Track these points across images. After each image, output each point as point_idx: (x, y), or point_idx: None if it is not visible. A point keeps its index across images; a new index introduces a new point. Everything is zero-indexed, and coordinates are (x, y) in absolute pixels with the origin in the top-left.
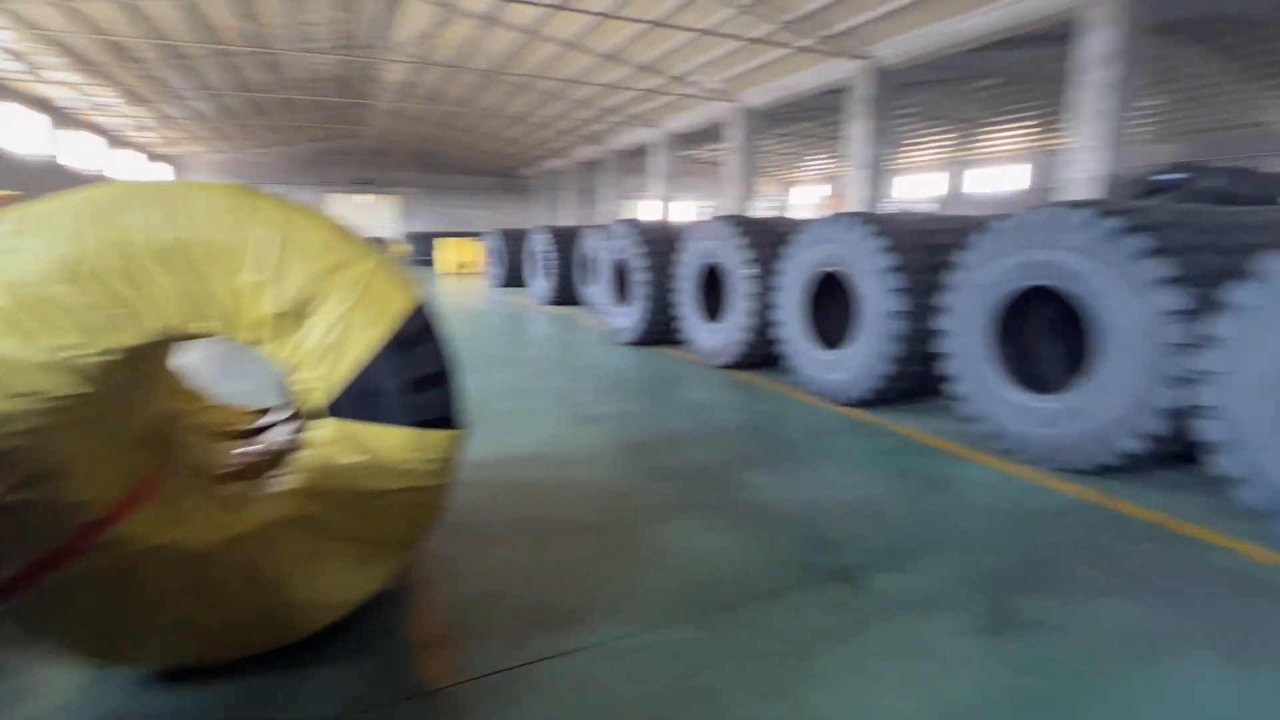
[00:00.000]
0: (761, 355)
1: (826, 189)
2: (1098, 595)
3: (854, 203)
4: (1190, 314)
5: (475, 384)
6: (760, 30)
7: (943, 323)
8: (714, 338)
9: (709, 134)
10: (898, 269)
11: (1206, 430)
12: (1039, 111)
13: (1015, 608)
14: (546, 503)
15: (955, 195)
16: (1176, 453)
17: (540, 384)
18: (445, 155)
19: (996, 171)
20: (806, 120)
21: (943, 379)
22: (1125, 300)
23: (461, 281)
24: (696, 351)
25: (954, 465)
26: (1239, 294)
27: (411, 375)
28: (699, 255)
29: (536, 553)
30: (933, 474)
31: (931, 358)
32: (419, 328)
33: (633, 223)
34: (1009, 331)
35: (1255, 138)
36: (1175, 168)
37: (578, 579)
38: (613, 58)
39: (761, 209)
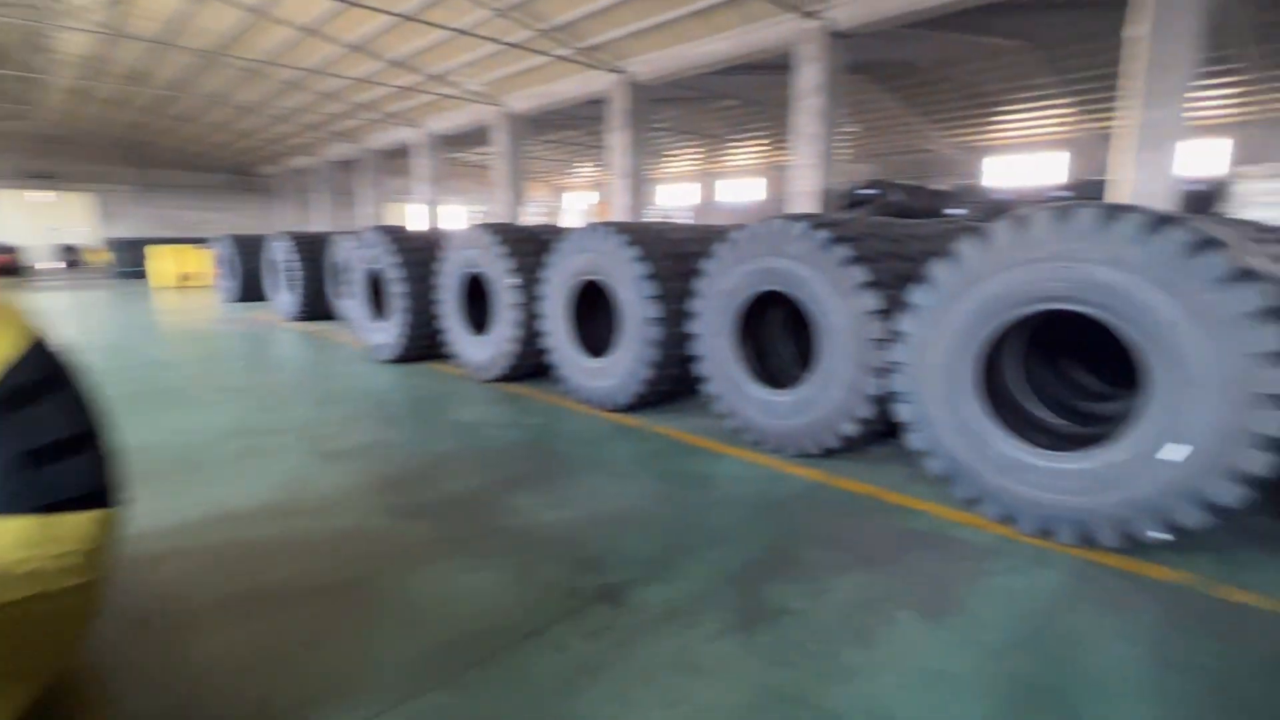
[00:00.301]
0: (532, 366)
1: (596, 195)
2: (829, 572)
3: (618, 210)
4: (884, 313)
5: (192, 424)
6: (519, 36)
7: (694, 327)
8: (482, 350)
9: (476, 136)
10: (651, 277)
11: (901, 412)
12: (770, 132)
13: (764, 598)
14: (272, 565)
15: (709, 204)
16: (884, 431)
17: (279, 417)
18: (159, 147)
19: (742, 183)
20: (573, 128)
21: (698, 379)
22: (836, 302)
23: (185, 297)
24: (464, 366)
25: (711, 462)
26: (916, 295)
27: (25, 444)
28: (461, 264)
29: (254, 633)
30: (692, 473)
31: (688, 360)
32: (35, 378)
33: (387, 229)
34: (751, 333)
35: (926, 161)
36: (869, 184)
37: (307, 657)
38: (362, 50)
39: (533, 214)
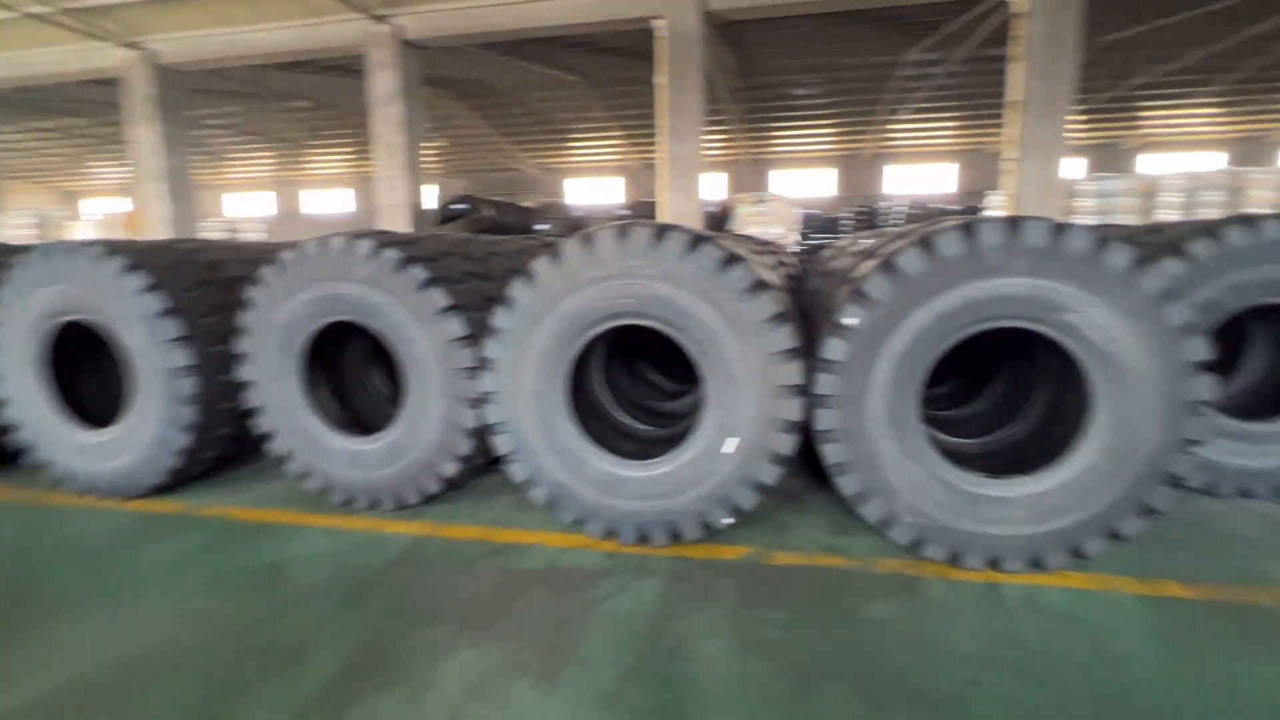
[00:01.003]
0: None
1: (130, 203)
2: (436, 657)
3: (156, 221)
4: (471, 339)
5: None
6: None
7: (246, 372)
8: None
9: None
10: (173, 313)
11: (500, 443)
12: (354, 140)
13: None
14: None
15: (291, 215)
16: (491, 461)
17: None
18: None
19: (329, 194)
20: (80, 115)
21: (262, 436)
22: (418, 331)
23: None
24: None
25: (285, 542)
26: (499, 319)
27: None
28: None
29: None
30: (257, 565)
31: (246, 414)
32: None
33: None
34: (327, 372)
35: (515, 179)
36: (461, 199)
37: None
38: None
39: (18, 226)
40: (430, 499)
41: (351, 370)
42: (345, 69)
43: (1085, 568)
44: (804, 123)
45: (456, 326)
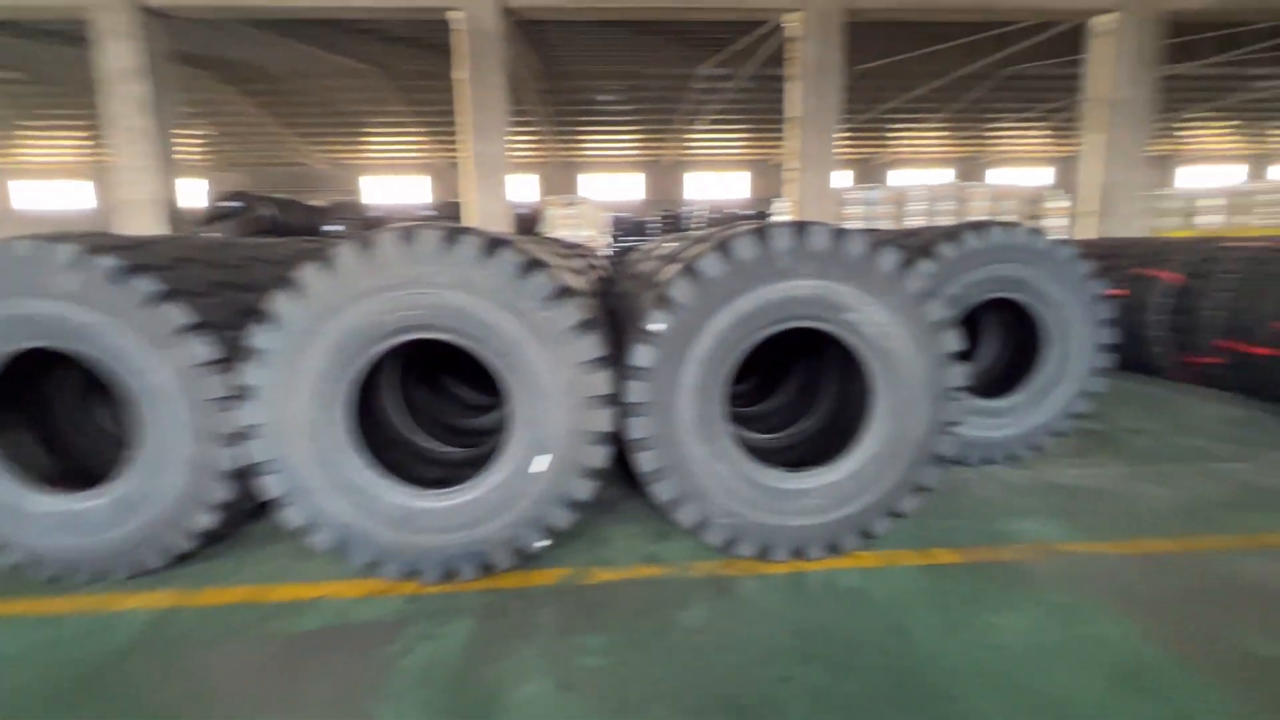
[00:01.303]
0: None
1: None
2: None
3: None
4: (224, 363)
5: None
6: None
7: None
8: None
9: None
10: None
11: (268, 485)
12: (87, 121)
13: None
14: None
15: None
16: (261, 507)
17: None
18: None
19: (59, 185)
20: None
21: None
22: (149, 355)
23: None
24: None
25: None
26: (260, 337)
27: None
28: None
29: None
30: None
31: None
32: None
33: None
34: (24, 414)
35: (304, 175)
36: (232, 195)
37: None
38: None
39: None
40: (182, 559)
41: (66, 408)
42: (69, 35)
43: (873, 546)
44: (610, 128)
45: (202, 349)
